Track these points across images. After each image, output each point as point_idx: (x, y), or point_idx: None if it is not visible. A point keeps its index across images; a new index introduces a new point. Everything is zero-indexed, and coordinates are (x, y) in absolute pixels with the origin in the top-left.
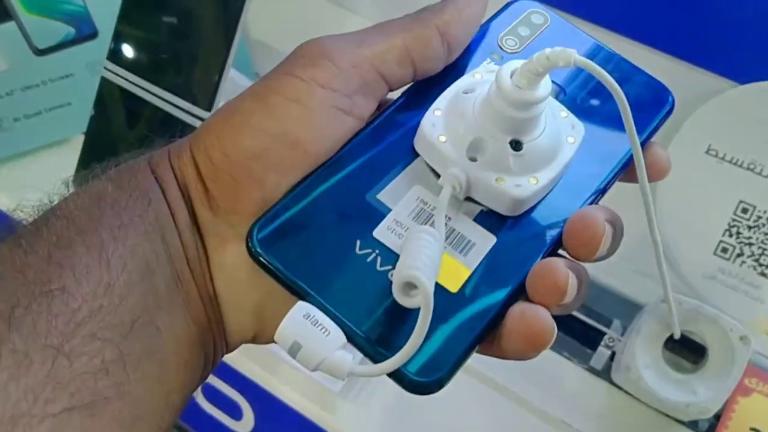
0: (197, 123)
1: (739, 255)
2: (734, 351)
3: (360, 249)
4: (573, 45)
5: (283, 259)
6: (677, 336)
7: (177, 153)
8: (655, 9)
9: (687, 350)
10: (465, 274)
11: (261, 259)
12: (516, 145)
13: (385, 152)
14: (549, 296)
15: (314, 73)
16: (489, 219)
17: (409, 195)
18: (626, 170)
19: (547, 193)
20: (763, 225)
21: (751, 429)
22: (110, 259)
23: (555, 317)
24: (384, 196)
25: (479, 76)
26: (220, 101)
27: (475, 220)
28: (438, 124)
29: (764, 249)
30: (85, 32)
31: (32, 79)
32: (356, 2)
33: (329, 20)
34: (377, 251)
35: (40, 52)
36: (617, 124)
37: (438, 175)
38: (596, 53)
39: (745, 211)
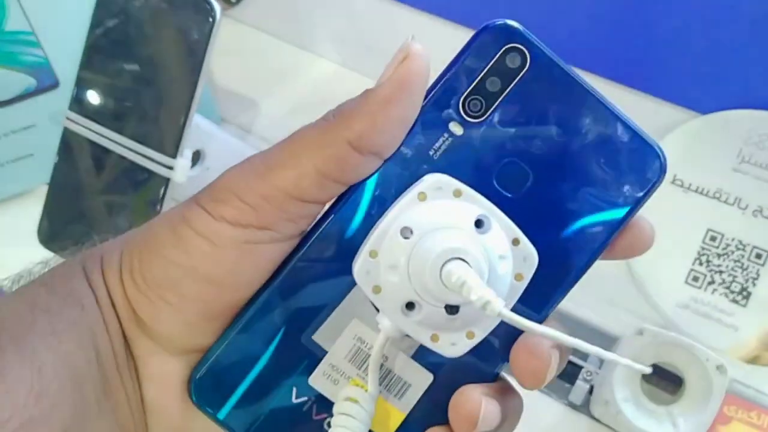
0: (162, 171)
1: (710, 283)
2: (711, 381)
3: (296, 397)
4: (556, 96)
5: (223, 409)
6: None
7: (108, 262)
8: (615, 42)
9: (665, 381)
10: (399, 418)
11: (202, 407)
12: (451, 309)
13: (319, 281)
14: (463, 425)
15: (222, 210)
16: (428, 355)
17: (346, 333)
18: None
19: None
20: (732, 252)
21: None
22: (42, 367)
23: None
24: (320, 336)
25: (422, 200)
26: (185, 148)
27: (413, 357)
28: (372, 272)
29: (734, 276)
30: (46, 83)
31: None
32: (320, 46)
33: (293, 64)
34: (312, 399)
35: (1, 104)
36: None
37: (377, 309)
38: (584, 104)
39: (713, 239)
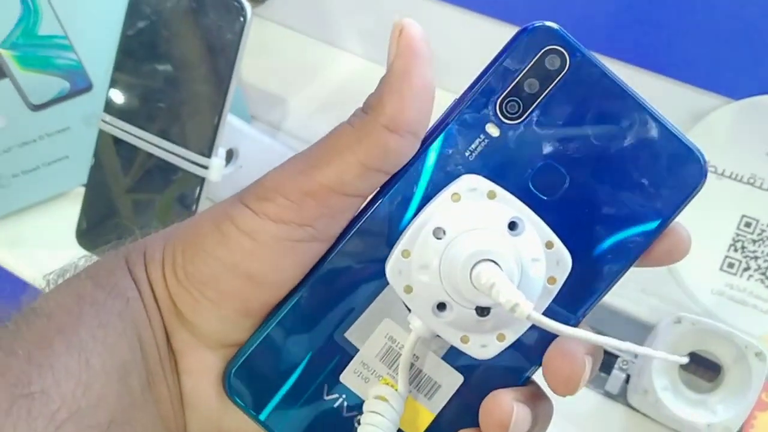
0: (198, 170)
1: (745, 269)
2: (750, 368)
3: (328, 394)
4: (597, 100)
5: (256, 403)
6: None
7: (151, 256)
8: (644, 29)
9: (703, 369)
10: (428, 418)
11: (236, 401)
12: (482, 311)
13: (353, 280)
14: (494, 431)
15: (266, 207)
16: (458, 356)
17: (378, 331)
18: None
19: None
20: (767, 238)
21: None
22: (89, 359)
23: None
24: (352, 334)
25: (456, 201)
26: (219, 147)
27: (443, 357)
28: (404, 272)
29: None
30: (80, 86)
31: (29, 134)
32: (347, 41)
33: (321, 60)
34: (344, 396)
35: (36, 108)
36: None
37: (410, 309)
38: (624, 107)
39: (748, 225)
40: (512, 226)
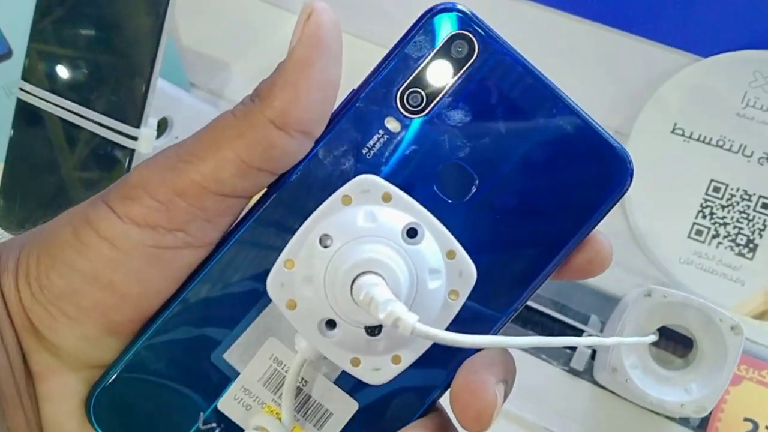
0: (126, 142)
1: (714, 236)
2: (726, 342)
3: (203, 423)
4: (510, 92)
5: None
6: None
7: (4, 265)
8: None
9: (674, 344)
10: None
11: (99, 430)
12: (372, 330)
13: (234, 293)
14: None
15: (129, 208)
16: (352, 380)
17: (261, 352)
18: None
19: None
20: (737, 203)
21: (745, 419)
22: None
23: (528, 318)
24: (231, 355)
25: (347, 204)
26: (149, 116)
27: (336, 381)
28: (287, 284)
29: (740, 228)
30: None
31: None
32: (292, 1)
33: (265, 22)
34: (222, 426)
35: None
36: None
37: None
38: (540, 99)
39: (717, 190)
40: (410, 233)
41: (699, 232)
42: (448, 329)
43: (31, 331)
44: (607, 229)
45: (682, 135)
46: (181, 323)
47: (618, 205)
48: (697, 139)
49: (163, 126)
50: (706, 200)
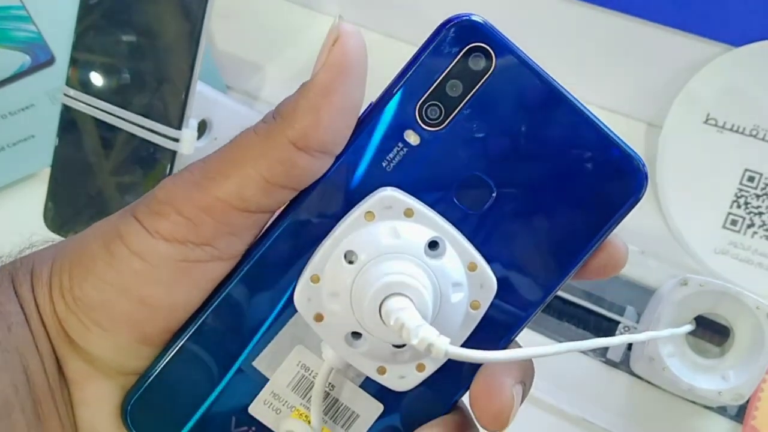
0: (168, 143)
1: (749, 226)
2: (763, 330)
3: (235, 426)
4: (525, 102)
5: None
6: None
7: (38, 275)
8: None
9: (711, 333)
10: None
11: None
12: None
13: (261, 303)
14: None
15: (158, 223)
16: (377, 384)
17: (289, 359)
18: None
19: None
20: None
21: None
22: None
23: (563, 310)
24: (261, 362)
25: (370, 220)
26: (190, 117)
27: (361, 386)
28: (314, 299)
29: None
30: (42, 59)
31: None
32: (323, 3)
33: (297, 24)
34: (253, 429)
35: None
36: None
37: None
38: (557, 111)
39: (751, 179)
40: (432, 246)
41: (734, 222)
42: (469, 339)
43: (65, 340)
44: (642, 220)
45: (715, 125)
46: (211, 332)
47: (652, 197)
48: (731, 129)
49: (202, 127)
50: (740, 190)
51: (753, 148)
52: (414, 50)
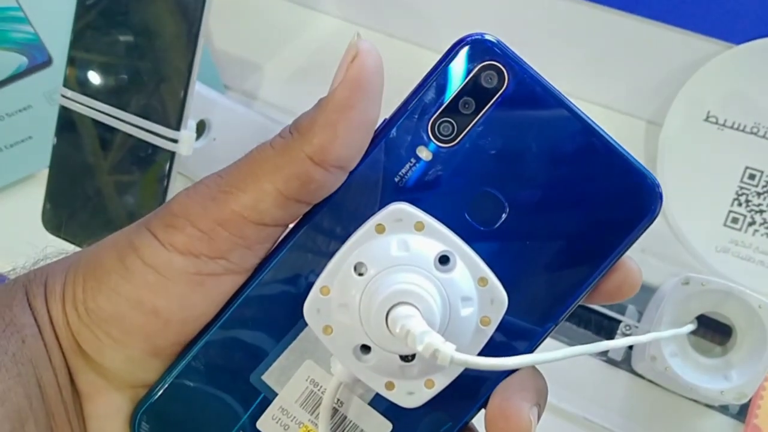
0: (167, 144)
1: (750, 224)
2: (765, 328)
3: None
4: (538, 119)
5: None
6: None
7: (52, 287)
8: None
9: (713, 332)
10: None
11: None
12: (406, 356)
13: (271, 317)
14: None
15: (173, 237)
16: (386, 401)
17: (298, 374)
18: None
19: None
20: None
21: None
22: None
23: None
24: (270, 376)
25: (380, 233)
26: (188, 118)
27: (370, 403)
28: (323, 311)
29: None
30: (39, 60)
31: None
32: (321, 1)
33: (294, 23)
34: None
35: None
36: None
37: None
38: (570, 129)
39: (752, 177)
40: (443, 260)
41: (735, 220)
42: (480, 355)
43: (78, 352)
44: None
45: (716, 123)
46: (221, 346)
47: None
48: (731, 127)
49: (201, 128)
50: (741, 188)
51: (754, 145)
52: (414, 50)
